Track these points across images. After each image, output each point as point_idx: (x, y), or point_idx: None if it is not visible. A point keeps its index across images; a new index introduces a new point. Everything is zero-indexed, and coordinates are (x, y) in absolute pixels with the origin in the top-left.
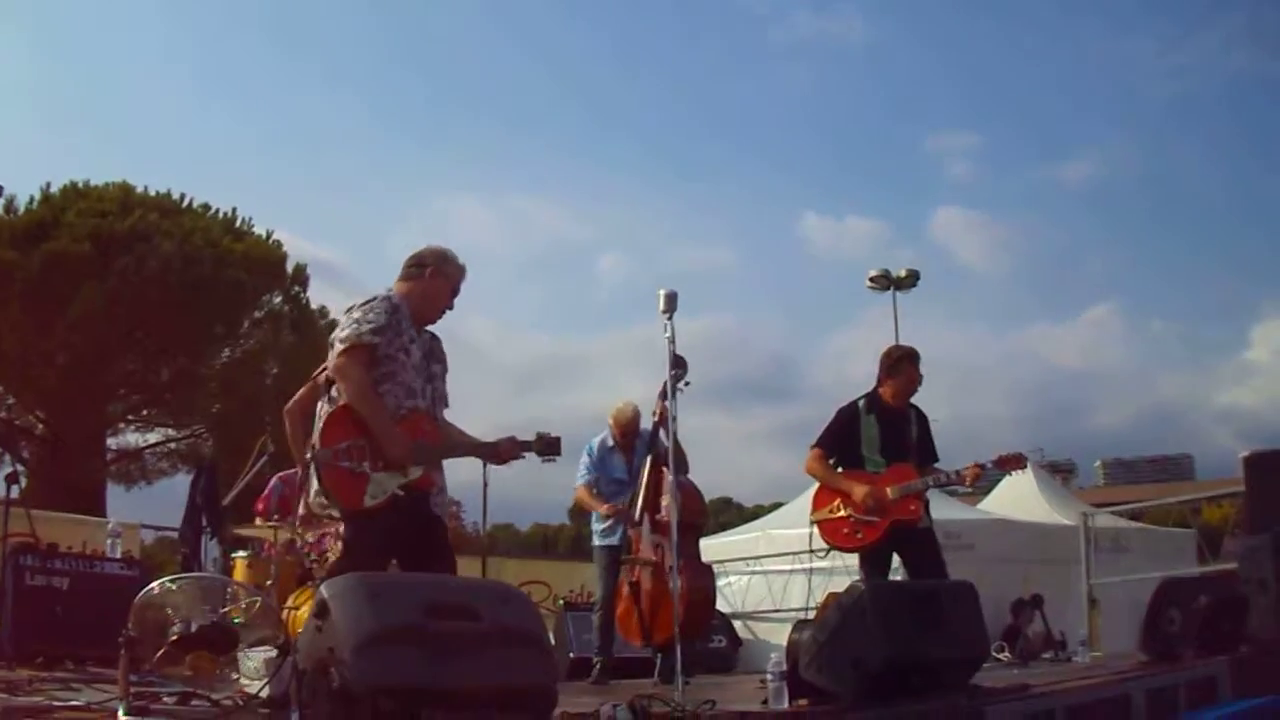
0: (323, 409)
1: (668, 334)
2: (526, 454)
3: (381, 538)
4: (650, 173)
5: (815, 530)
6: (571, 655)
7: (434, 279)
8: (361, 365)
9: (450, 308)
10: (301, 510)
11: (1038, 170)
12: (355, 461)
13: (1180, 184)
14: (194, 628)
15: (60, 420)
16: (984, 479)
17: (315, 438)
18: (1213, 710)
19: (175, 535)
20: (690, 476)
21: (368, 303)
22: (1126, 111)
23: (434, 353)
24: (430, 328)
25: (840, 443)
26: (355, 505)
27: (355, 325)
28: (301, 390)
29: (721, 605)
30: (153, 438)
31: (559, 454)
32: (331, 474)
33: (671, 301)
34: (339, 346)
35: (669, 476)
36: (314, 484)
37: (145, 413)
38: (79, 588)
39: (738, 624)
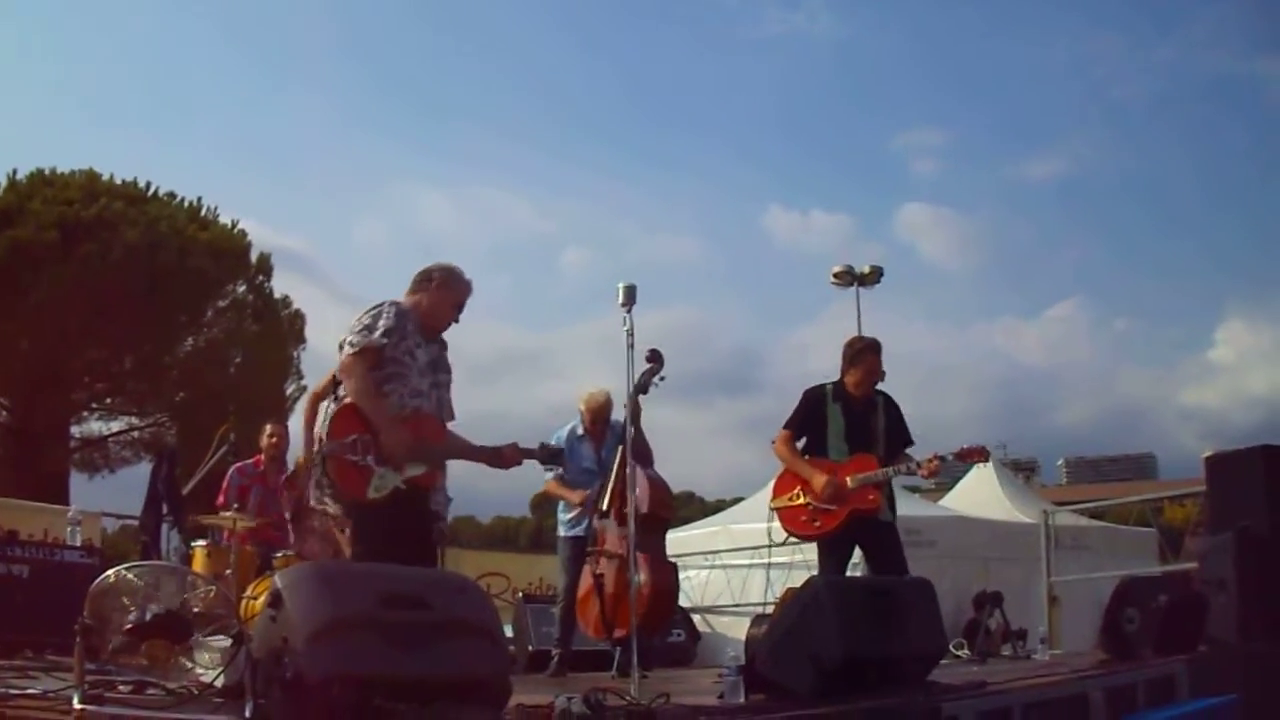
0: (329, 406)
1: (626, 327)
2: (529, 460)
3: (386, 531)
4: (615, 166)
5: (775, 517)
6: (530, 648)
7: (438, 291)
8: (367, 366)
9: (455, 320)
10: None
11: (1005, 167)
12: (361, 455)
13: (1147, 183)
14: (149, 616)
15: (24, 408)
16: (945, 470)
17: (321, 430)
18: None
19: (137, 524)
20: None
21: (376, 308)
22: (1095, 109)
23: (441, 362)
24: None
25: (808, 425)
26: (359, 496)
27: (365, 331)
28: (315, 387)
29: (681, 599)
30: (116, 426)
31: (562, 465)
32: (338, 465)
33: (630, 294)
34: (348, 349)
35: (637, 470)
36: (314, 478)
37: (109, 401)
38: (39, 576)
39: (697, 618)
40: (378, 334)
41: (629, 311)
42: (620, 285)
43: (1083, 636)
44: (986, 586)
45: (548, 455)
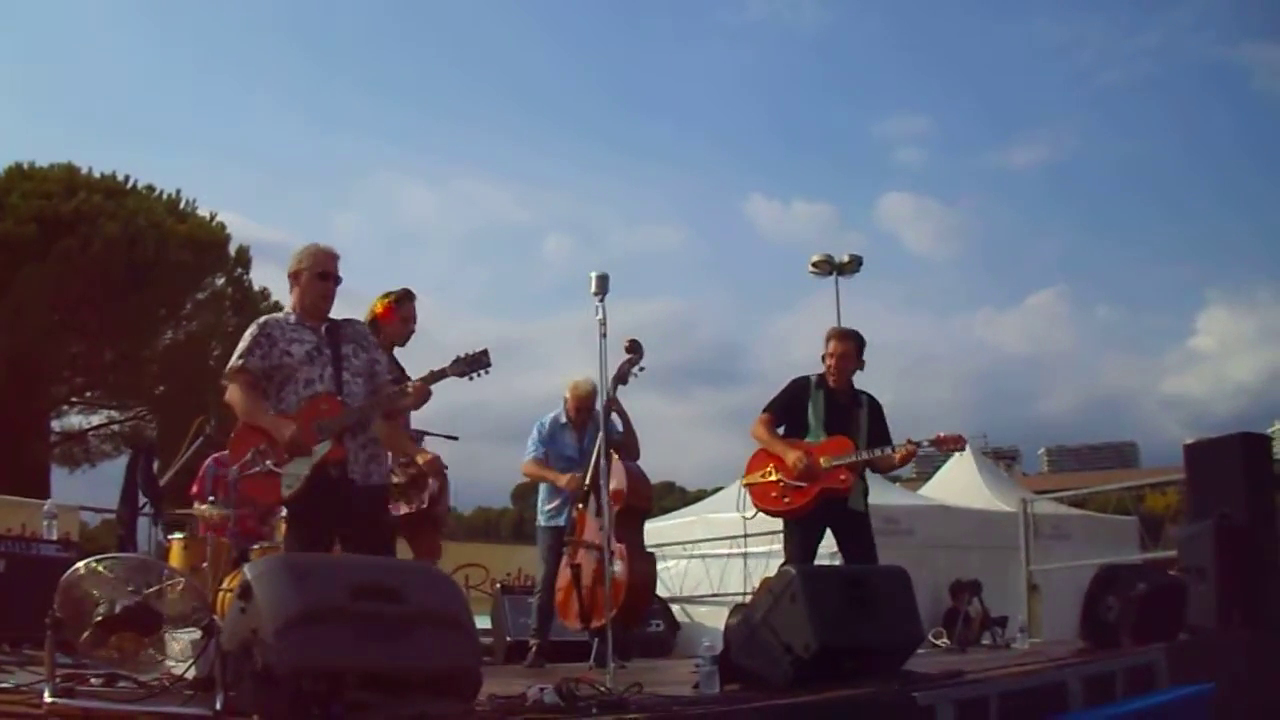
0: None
1: (600, 316)
2: (444, 379)
3: (314, 519)
4: (598, 155)
5: (746, 494)
6: (508, 639)
7: (296, 279)
8: (240, 386)
9: (331, 293)
10: None
11: (986, 156)
12: (261, 464)
13: (1130, 170)
14: (118, 608)
15: (3, 402)
16: (923, 459)
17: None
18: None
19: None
20: (637, 462)
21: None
22: (1079, 95)
23: (341, 337)
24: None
25: (788, 411)
26: (276, 500)
27: (233, 359)
28: None
29: (660, 589)
30: (96, 420)
31: (487, 366)
32: (247, 484)
33: (603, 283)
34: (223, 382)
35: (615, 461)
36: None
37: (89, 395)
38: (15, 570)
39: (676, 608)
40: (235, 358)
41: (601, 300)
42: (592, 274)
43: (1063, 625)
44: (966, 575)
45: (466, 364)
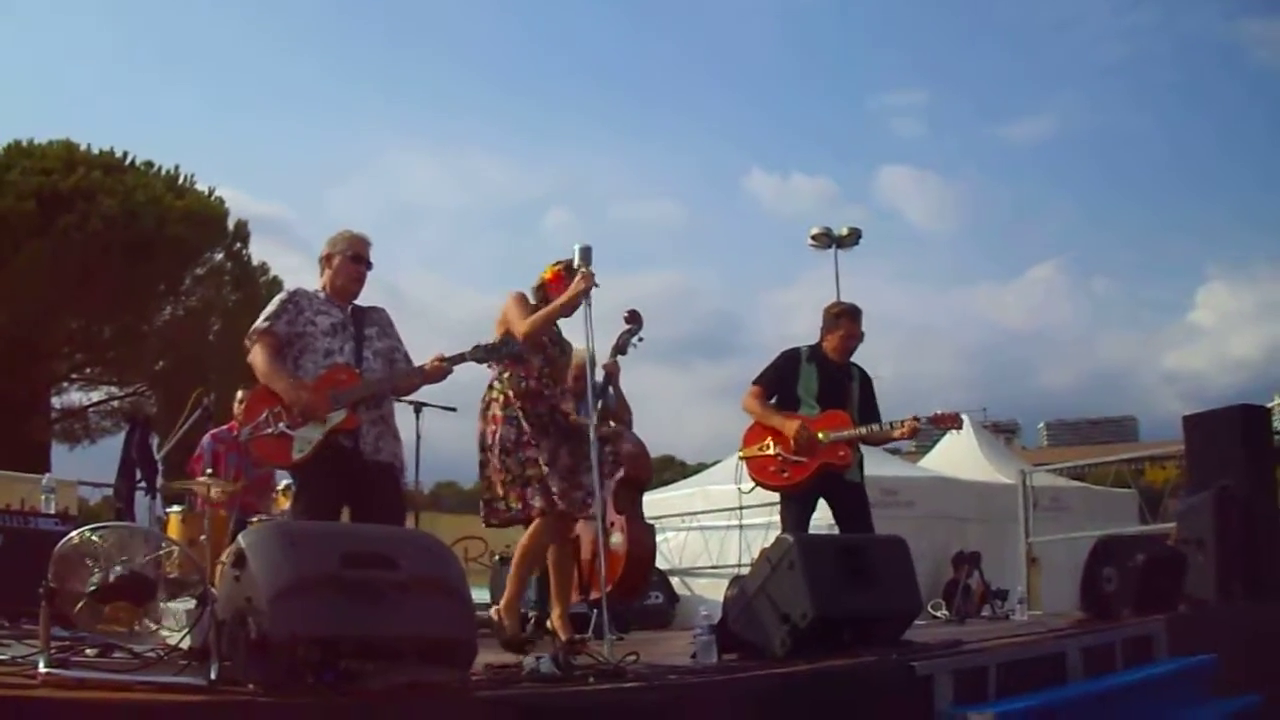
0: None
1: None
2: (464, 364)
3: (322, 486)
4: (597, 129)
5: (743, 467)
6: None
7: (329, 261)
8: (263, 348)
9: (363, 276)
10: None
11: (986, 130)
12: (274, 426)
13: (1128, 144)
14: (113, 577)
15: (3, 379)
16: (919, 434)
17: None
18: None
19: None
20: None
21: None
22: (1077, 71)
23: (365, 320)
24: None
25: (779, 383)
26: (286, 461)
27: (258, 321)
28: None
29: (659, 561)
30: (96, 396)
31: (508, 354)
32: (259, 444)
33: (586, 255)
34: (246, 342)
35: (608, 429)
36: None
37: (89, 371)
38: (13, 544)
39: (675, 580)
40: (262, 320)
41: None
42: (576, 246)
43: (1062, 597)
44: (965, 547)
45: (484, 353)
